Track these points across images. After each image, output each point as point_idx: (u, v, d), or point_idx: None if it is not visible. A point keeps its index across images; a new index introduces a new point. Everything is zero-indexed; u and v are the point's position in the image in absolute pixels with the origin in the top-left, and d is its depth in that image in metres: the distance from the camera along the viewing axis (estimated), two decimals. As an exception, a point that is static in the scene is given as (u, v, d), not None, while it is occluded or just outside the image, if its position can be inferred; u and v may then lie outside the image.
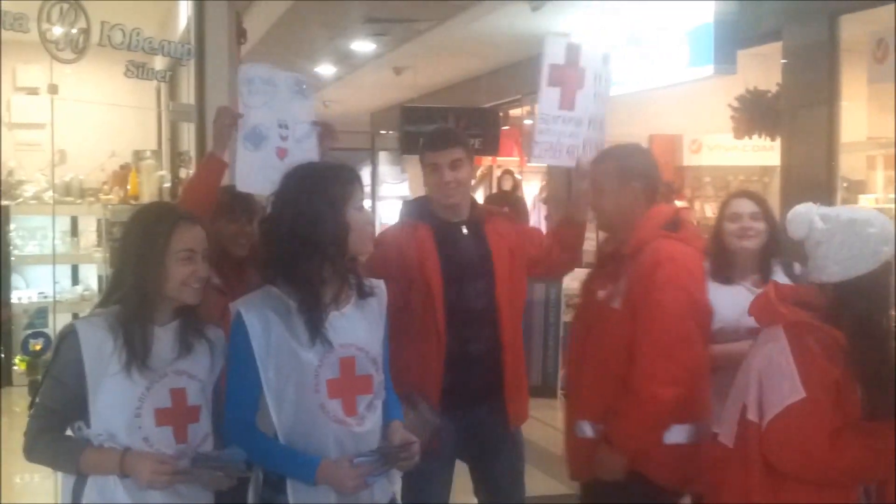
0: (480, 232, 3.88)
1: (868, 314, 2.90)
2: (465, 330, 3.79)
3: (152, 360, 2.76)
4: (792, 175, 6.94)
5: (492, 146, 11.18)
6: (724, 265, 3.95)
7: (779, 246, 3.98)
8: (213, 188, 3.68)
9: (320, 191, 2.82)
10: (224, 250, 3.89)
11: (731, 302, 3.76)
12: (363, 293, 2.93)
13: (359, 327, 2.89)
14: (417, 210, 3.94)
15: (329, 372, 2.81)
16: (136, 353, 2.73)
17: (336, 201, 2.80)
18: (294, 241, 2.79)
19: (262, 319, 2.79)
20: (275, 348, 2.78)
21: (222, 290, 3.61)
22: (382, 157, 18.19)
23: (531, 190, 12.62)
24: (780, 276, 3.87)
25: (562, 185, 10.30)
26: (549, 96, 3.89)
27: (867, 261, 2.91)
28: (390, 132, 15.63)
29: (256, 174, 3.61)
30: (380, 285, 3.01)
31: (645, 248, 3.44)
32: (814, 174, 6.57)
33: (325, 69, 13.37)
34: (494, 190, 12.42)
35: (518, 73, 11.69)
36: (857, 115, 7.95)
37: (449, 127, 9.38)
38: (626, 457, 3.40)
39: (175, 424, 2.80)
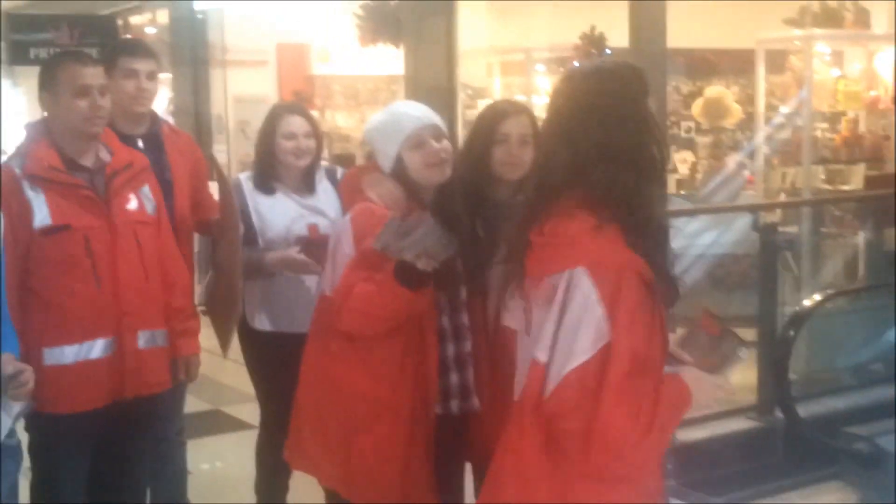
0: (160, 145, 3.91)
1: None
2: None
3: None
4: (417, 83, 7.08)
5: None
6: (272, 177, 4.01)
7: (320, 156, 4.14)
8: None
9: None
10: None
11: (280, 212, 3.95)
12: None
13: None
14: None
15: None
16: None
17: None
18: None
19: None
20: None
21: None
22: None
23: (160, 102, 12.11)
24: (324, 183, 4.01)
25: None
26: None
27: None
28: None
29: None
30: None
31: None
32: (436, 82, 6.75)
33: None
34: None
35: (137, -23, 11.07)
36: (478, 23, 8.24)
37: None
38: None
39: None
